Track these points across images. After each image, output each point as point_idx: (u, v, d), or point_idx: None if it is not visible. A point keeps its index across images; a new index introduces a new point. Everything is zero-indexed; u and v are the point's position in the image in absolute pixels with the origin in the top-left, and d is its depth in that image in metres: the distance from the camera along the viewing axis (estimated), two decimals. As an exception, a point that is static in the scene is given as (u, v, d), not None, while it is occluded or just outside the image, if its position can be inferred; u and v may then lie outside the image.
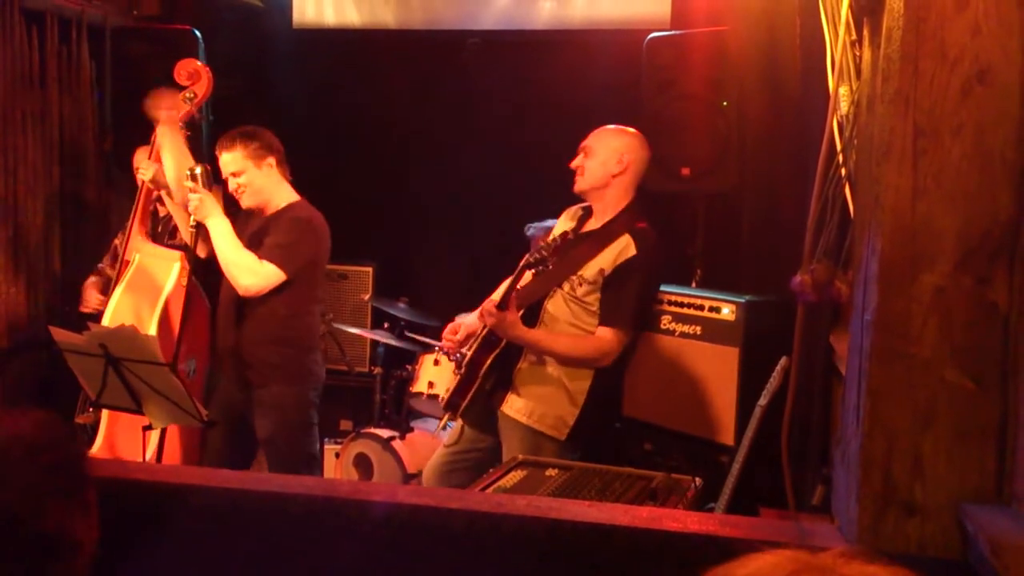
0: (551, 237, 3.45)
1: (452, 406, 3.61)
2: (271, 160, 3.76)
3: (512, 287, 3.39)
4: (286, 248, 3.67)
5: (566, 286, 3.45)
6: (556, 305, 3.46)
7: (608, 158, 3.51)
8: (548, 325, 3.48)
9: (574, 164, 3.55)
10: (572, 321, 3.46)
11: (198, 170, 3.63)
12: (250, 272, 3.62)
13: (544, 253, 3.28)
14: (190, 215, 3.64)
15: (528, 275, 3.42)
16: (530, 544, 1.89)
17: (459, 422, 3.68)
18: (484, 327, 3.51)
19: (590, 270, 3.43)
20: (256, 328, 3.75)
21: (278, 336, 3.77)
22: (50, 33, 4.92)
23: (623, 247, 3.43)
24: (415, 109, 5.42)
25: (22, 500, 1.17)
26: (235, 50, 5.27)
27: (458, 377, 3.58)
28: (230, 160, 3.71)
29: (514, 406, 3.48)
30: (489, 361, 3.49)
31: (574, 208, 3.72)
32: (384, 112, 5.44)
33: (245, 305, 3.72)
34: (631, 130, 3.62)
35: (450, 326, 3.77)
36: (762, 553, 0.85)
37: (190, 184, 3.61)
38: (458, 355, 3.68)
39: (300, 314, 3.83)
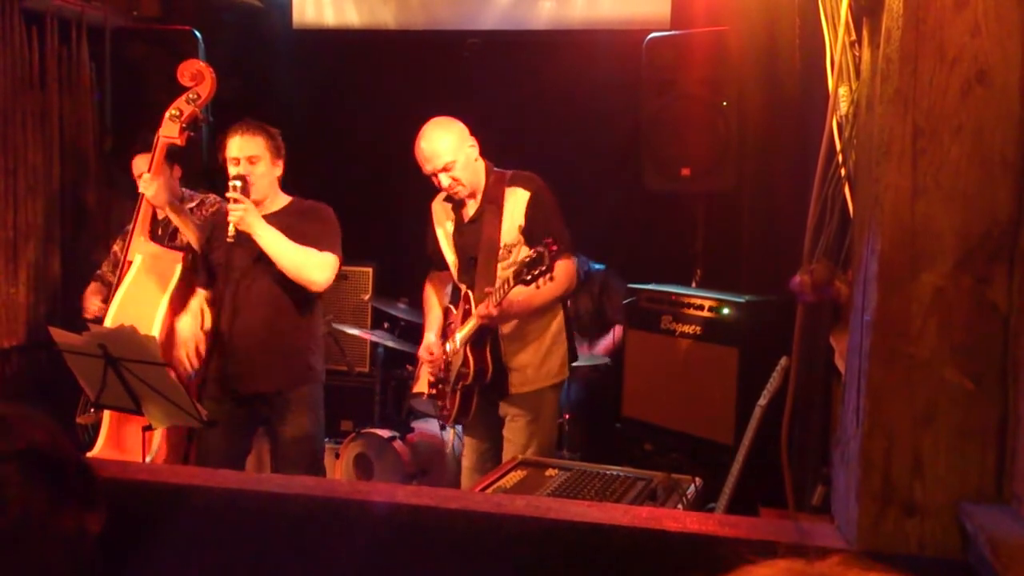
0: (497, 284, 3.49)
1: (460, 420, 3.77)
2: (280, 163, 3.80)
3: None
4: (332, 235, 3.76)
5: (500, 266, 3.57)
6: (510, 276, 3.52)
7: (467, 156, 3.60)
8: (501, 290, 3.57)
9: (446, 185, 3.60)
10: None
11: (238, 183, 3.60)
12: (320, 267, 3.68)
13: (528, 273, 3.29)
14: (229, 224, 3.57)
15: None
16: (530, 544, 1.89)
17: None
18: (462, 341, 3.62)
19: (508, 235, 3.58)
20: (289, 329, 3.77)
21: (308, 335, 3.85)
22: (50, 34, 4.93)
23: (515, 198, 3.60)
24: (415, 109, 5.40)
25: (48, 502, 1.26)
26: (235, 51, 5.27)
27: (458, 395, 3.67)
28: (250, 144, 3.68)
29: (517, 381, 3.65)
30: (491, 363, 3.61)
31: (438, 204, 3.82)
32: (384, 112, 5.44)
33: (269, 306, 3.72)
34: (443, 119, 3.68)
35: (425, 348, 3.82)
36: (757, 566, 0.83)
37: (234, 195, 3.57)
38: (441, 376, 3.78)
39: (317, 309, 3.91)
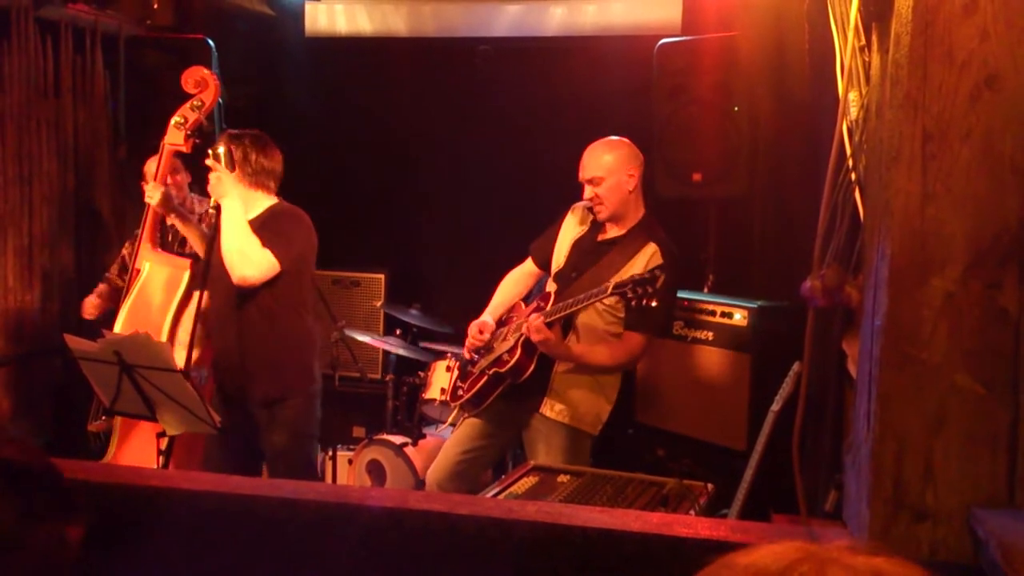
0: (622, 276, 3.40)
1: (473, 405, 3.67)
2: (233, 170, 3.68)
3: (564, 309, 3.43)
4: (280, 237, 3.64)
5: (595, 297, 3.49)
6: (589, 315, 3.50)
7: (619, 180, 3.54)
8: (581, 333, 3.54)
9: (588, 197, 3.58)
10: (605, 328, 3.54)
11: (221, 149, 3.63)
12: (249, 262, 3.56)
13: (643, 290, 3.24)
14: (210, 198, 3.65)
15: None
16: (541, 550, 1.90)
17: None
18: (518, 335, 3.55)
19: (622, 278, 3.43)
20: (259, 340, 3.70)
21: (281, 343, 3.72)
22: (64, 43, 4.97)
23: (651, 256, 3.49)
24: (427, 116, 5.44)
25: (21, 516, 1.26)
26: (248, 59, 5.31)
27: (483, 379, 3.61)
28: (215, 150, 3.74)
29: (554, 408, 3.57)
30: (532, 367, 3.53)
31: (580, 209, 3.74)
32: (396, 119, 5.47)
33: (243, 319, 3.68)
34: (618, 139, 3.63)
35: (477, 324, 3.76)
36: (768, 544, 0.86)
37: (212, 163, 3.62)
38: (475, 356, 3.72)
39: (295, 312, 3.76)
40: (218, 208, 3.62)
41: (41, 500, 1.28)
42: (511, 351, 3.55)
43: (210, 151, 3.65)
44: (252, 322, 3.69)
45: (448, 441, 3.84)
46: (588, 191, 3.56)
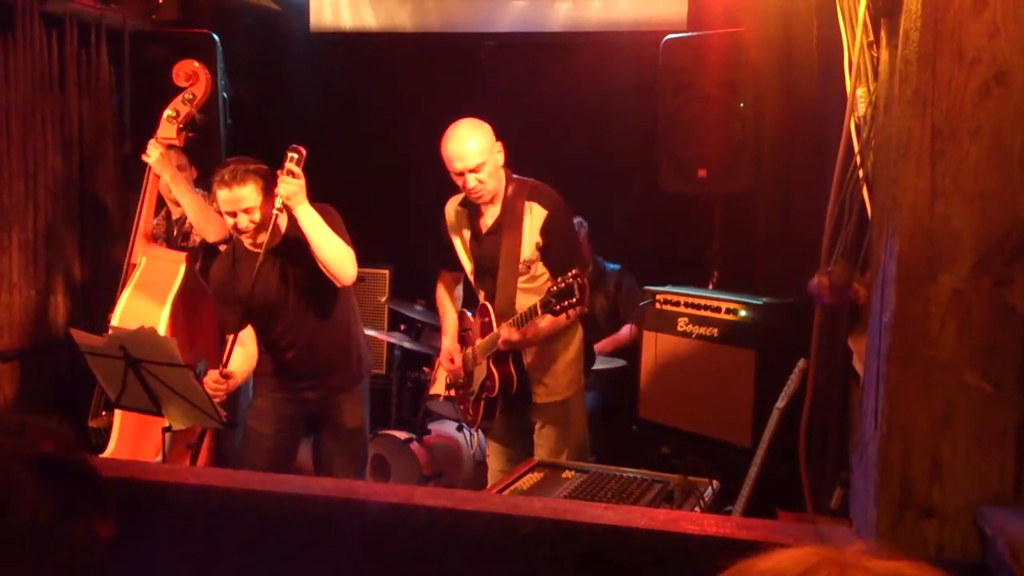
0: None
1: (487, 422, 3.78)
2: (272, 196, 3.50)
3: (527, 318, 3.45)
4: (345, 233, 3.55)
5: (520, 280, 3.57)
6: (527, 296, 3.51)
7: (495, 158, 3.55)
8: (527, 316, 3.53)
9: (471, 186, 3.51)
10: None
11: (295, 155, 3.35)
12: (352, 262, 3.50)
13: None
14: (276, 197, 3.35)
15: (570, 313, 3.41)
16: (546, 546, 1.89)
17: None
18: (485, 356, 3.64)
19: (526, 251, 3.55)
20: (335, 343, 3.72)
21: (349, 334, 3.78)
22: (69, 37, 4.97)
23: (533, 214, 3.55)
24: (432, 112, 5.42)
25: (60, 509, 1.27)
26: (253, 54, 5.30)
27: (482, 404, 3.70)
28: (248, 195, 3.43)
29: (542, 392, 3.66)
30: (515, 374, 3.62)
31: (452, 209, 3.75)
32: (401, 114, 5.46)
33: (312, 328, 3.65)
34: (474, 120, 3.60)
35: (446, 354, 3.83)
36: (785, 548, 0.84)
37: (291, 167, 3.34)
38: (460, 382, 3.82)
39: (345, 302, 3.77)
40: (286, 211, 3.41)
41: (77, 497, 1.28)
42: (490, 376, 3.62)
43: (295, 157, 3.36)
44: (325, 315, 3.67)
45: (490, 462, 3.95)
46: (470, 180, 3.49)
